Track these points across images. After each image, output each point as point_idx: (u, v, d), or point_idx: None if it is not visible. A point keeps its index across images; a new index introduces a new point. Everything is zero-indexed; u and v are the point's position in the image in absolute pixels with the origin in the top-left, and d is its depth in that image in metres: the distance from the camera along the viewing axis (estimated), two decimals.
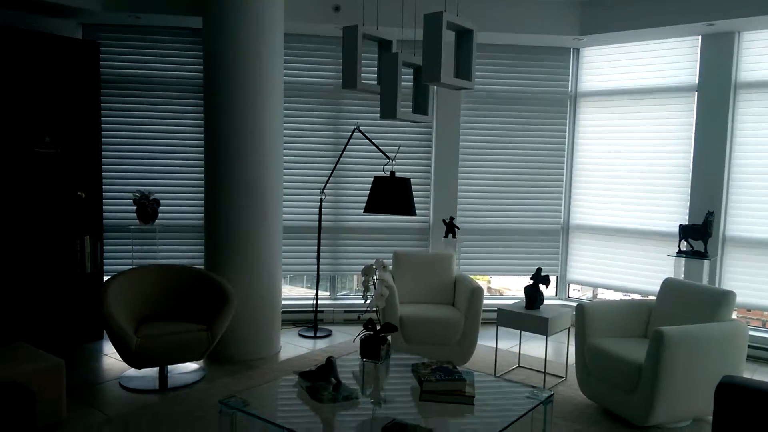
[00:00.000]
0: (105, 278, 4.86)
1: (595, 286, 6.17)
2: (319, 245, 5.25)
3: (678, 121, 5.30)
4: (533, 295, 4.17)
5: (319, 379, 2.89)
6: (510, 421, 2.63)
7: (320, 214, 5.22)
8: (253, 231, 4.40)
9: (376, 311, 3.39)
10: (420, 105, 2.94)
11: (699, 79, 5.13)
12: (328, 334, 5.23)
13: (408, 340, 4.27)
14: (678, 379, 3.26)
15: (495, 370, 4.31)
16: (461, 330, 4.28)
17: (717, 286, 5.09)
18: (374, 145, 5.05)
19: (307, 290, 6.53)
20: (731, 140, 5.02)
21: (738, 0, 4.60)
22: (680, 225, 4.92)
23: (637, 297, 5.62)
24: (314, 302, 5.33)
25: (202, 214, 5.26)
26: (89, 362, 4.41)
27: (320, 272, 5.48)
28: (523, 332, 4.66)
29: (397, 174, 5.50)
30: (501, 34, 5.38)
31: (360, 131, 5.06)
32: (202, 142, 4.93)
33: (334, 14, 5.11)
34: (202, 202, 5.22)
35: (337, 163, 5.27)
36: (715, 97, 5.04)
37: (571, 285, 6.11)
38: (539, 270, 4.23)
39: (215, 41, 4.30)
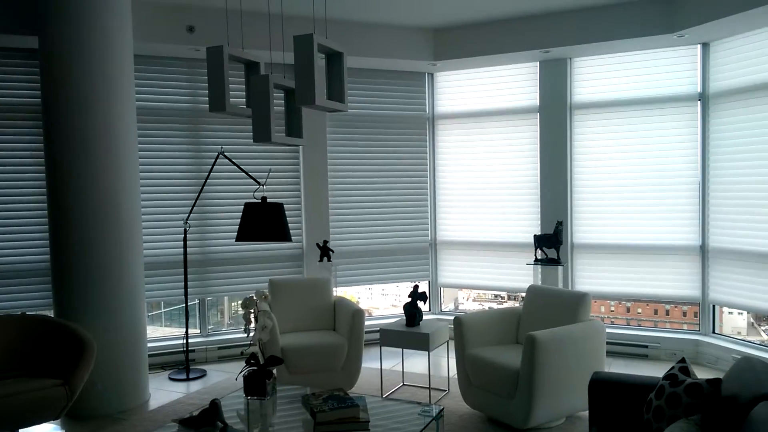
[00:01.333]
0: None
1: (468, 287, 6.45)
2: (185, 279, 4.92)
3: (525, 139, 5.74)
4: (412, 312, 4.24)
5: (203, 425, 2.67)
6: None
7: (185, 245, 4.90)
8: (111, 269, 4.00)
9: (259, 344, 3.22)
10: (294, 128, 2.88)
11: (540, 101, 5.62)
12: (203, 375, 4.89)
13: (292, 371, 4.12)
14: (551, 379, 3.47)
15: (381, 392, 4.30)
16: (345, 354, 4.22)
17: (571, 288, 5.56)
18: (242, 170, 4.87)
19: (174, 330, 6.07)
20: (571, 156, 5.55)
21: (568, 30, 5.14)
22: (534, 235, 5.31)
23: (497, 305, 5.97)
24: (184, 341, 4.97)
25: (48, 255, 4.69)
26: None
27: (189, 308, 5.12)
28: (404, 350, 4.72)
29: (268, 199, 5.34)
30: (362, 59, 5.49)
31: (225, 156, 4.85)
32: (44, 173, 4.42)
33: (188, 35, 4.89)
34: (47, 240, 4.66)
35: (201, 190, 5.00)
36: (555, 117, 5.55)
37: (441, 300, 6.33)
38: (416, 287, 4.31)
39: (54, 63, 3.88)
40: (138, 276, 4.19)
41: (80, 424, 3.89)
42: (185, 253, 4.90)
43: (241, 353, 5.29)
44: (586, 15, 5.07)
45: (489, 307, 6.13)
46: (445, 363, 5.02)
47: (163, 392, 4.48)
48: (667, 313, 5.66)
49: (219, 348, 5.36)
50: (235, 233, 5.40)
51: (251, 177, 4.83)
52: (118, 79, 4.00)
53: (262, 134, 2.60)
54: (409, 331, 4.12)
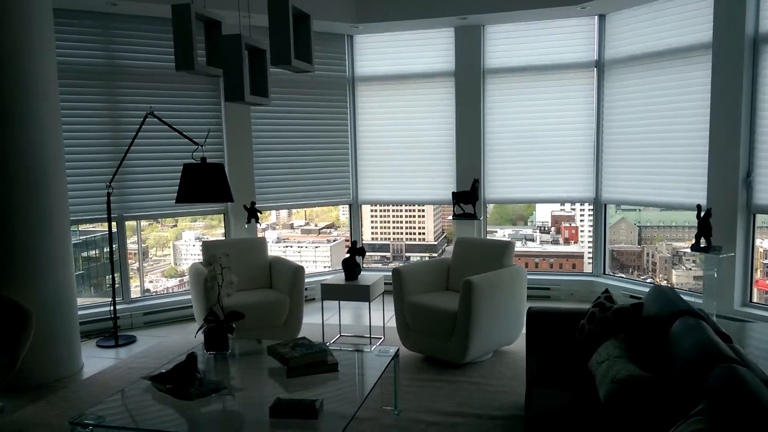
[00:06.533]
0: None
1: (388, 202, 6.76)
2: (111, 244, 4.77)
3: (442, 103, 6.07)
4: (351, 267, 4.47)
5: (179, 379, 2.75)
6: (378, 376, 2.88)
7: (109, 208, 4.74)
8: (37, 234, 3.82)
9: (219, 300, 3.30)
10: (260, 87, 2.94)
11: (455, 66, 5.95)
12: (132, 341, 4.82)
13: (234, 330, 4.21)
14: (484, 318, 3.88)
15: (324, 342, 4.51)
16: (287, 310, 4.37)
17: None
18: (177, 131, 4.74)
19: (88, 298, 5.83)
20: (483, 119, 5.96)
21: None
22: (453, 192, 5.71)
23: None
24: (112, 308, 4.85)
25: None
26: None
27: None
28: (341, 304, 4.93)
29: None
30: None
31: (156, 116, 4.70)
32: None
33: None
34: None
35: (127, 152, 4.82)
36: (469, 81, 5.92)
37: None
38: (355, 243, 4.54)
39: None
40: (66, 240, 4.03)
41: (14, 396, 3.73)
42: (109, 217, 4.73)
43: (211, 308, 5.29)
44: None
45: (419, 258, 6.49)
46: (379, 314, 5.33)
47: (96, 359, 4.39)
48: (561, 266, 6.32)
49: (145, 314, 5.27)
50: (163, 195, 5.29)
51: (187, 138, 4.73)
52: (33, 33, 3.73)
53: (235, 93, 2.65)
54: (350, 284, 4.35)
